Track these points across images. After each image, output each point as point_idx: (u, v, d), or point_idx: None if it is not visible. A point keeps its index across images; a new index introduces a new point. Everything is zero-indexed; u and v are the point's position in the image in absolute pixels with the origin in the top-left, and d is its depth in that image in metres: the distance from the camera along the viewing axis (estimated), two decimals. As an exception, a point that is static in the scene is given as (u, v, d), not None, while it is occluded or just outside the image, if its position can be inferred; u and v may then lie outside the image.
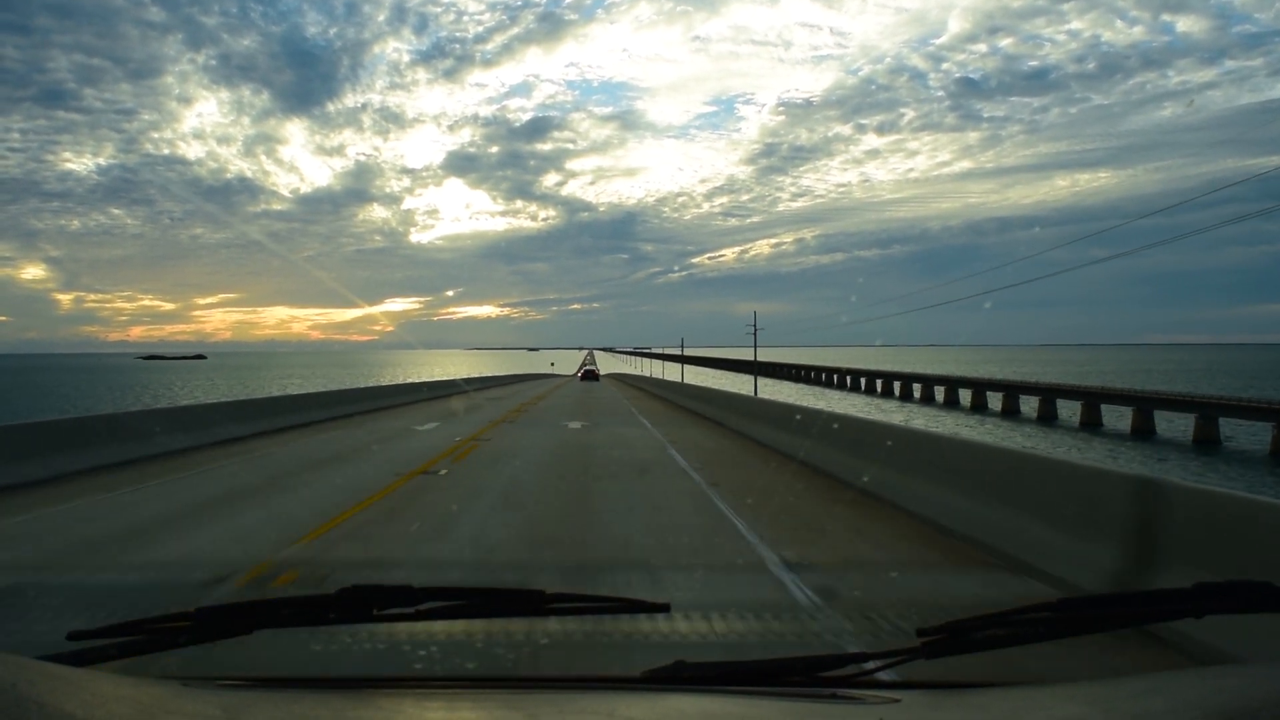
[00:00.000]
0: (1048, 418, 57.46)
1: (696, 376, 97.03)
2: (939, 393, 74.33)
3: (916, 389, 79.33)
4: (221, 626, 1.51)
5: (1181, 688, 1.31)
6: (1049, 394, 57.83)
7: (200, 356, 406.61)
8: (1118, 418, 52.78)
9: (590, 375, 73.43)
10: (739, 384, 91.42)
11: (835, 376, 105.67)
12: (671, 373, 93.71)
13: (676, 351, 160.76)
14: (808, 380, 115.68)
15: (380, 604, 1.49)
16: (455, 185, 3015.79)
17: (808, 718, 1.33)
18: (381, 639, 4.12)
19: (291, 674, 1.53)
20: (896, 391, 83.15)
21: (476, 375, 62.97)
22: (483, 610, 1.63)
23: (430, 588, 1.49)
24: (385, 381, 56.08)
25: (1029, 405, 59.27)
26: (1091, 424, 52.92)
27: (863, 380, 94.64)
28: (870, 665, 1.46)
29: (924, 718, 1.32)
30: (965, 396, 68.35)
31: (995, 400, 62.93)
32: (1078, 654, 3.98)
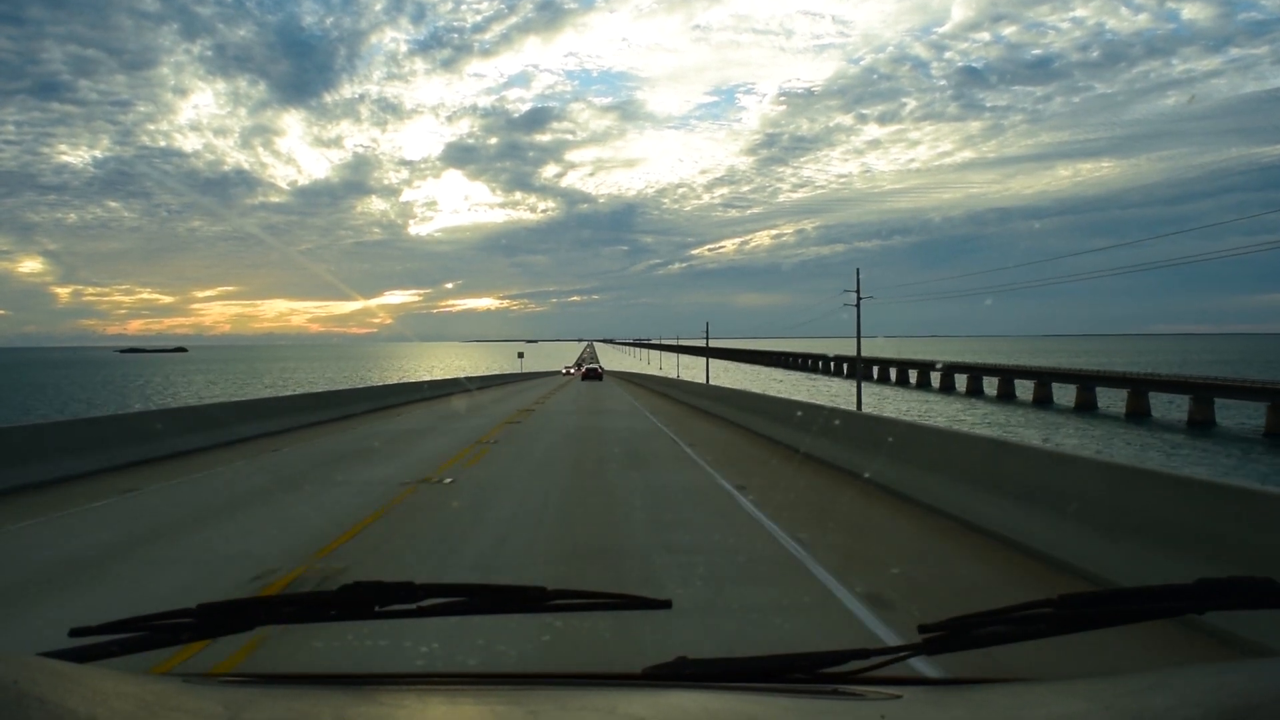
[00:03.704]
0: (1087, 406, 57.19)
1: (716, 376, 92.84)
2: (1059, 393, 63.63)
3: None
4: (223, 623, 1.56)
5: (1183, 684, 1.35)
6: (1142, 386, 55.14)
7: (181, 349, 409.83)
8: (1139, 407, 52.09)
9: (592, 374, 68.60)
10: (794, 386, 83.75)
11: (891, 371, 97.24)
12: (680, 370, 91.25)
13: (678, 343, 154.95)
14: (842, 375, 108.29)
15: (381, 601, 1.53)
16: (454, 177, 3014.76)
17: (810, 714, 1.37)
18: (383, 635, 4.22)
19: (293, 670, 1.59)
20: (991, 390, 73.01)
21: (383, 384, 47.19)
22: (484, 607, 1.65)
23: (431, 584, 1.53)
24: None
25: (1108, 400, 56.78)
26: (1138, 413, 52.30)
27: (930, 375, 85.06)
28: (872, 661, 1.51)
29: (926, 714, 1.36)
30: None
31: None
32: (1080, 650, 4.00)
